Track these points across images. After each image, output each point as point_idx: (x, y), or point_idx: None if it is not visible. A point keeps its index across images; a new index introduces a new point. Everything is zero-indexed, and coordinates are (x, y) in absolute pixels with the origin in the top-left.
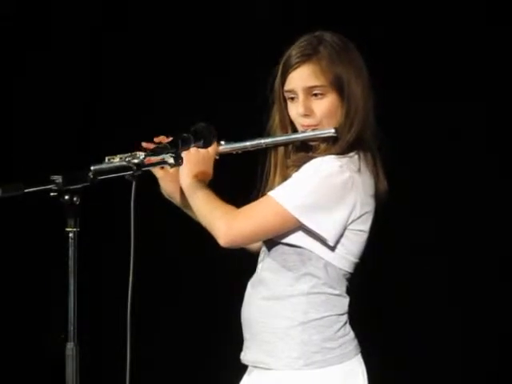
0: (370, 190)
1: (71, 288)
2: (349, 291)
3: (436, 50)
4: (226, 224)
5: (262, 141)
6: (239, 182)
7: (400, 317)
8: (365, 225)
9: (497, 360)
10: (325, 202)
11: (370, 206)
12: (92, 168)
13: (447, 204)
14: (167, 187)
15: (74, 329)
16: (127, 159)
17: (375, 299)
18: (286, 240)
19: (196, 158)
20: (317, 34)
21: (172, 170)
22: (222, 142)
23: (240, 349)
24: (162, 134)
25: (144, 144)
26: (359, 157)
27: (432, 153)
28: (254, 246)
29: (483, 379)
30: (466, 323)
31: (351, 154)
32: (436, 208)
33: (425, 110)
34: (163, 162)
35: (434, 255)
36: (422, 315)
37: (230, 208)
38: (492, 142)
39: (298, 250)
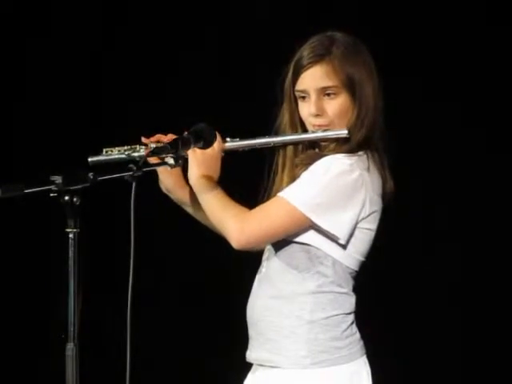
0: (379, 189)
1: (71, 288)
2: (355, 290)
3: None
4: (238, 227)
5: (271, 139)
6: (246, 180)
7: (403, 318)
8: (373, 224)
9: (499, 362)
10: (336, 201)
11: (378, 204)
12: (89, 159)
13: (448, 203)
14: (166, 182)
15: (73, 329)
16: (126, 152)
17: (377, 300)
18: (295, 238)
19: (202, 157)
20: (328, 34)
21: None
22: (228, 139)
23: (245, 347)
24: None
25: (144, 139)
26: (367, 156)
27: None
28: None
29: (485, 380)
30: (468, 324)
31: (360, 153)
32: (438, 206)
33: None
34: (163, 163)
35: (436, 255)
36: (424, 316)
37: (241, 209)
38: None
39: (307, 247)
